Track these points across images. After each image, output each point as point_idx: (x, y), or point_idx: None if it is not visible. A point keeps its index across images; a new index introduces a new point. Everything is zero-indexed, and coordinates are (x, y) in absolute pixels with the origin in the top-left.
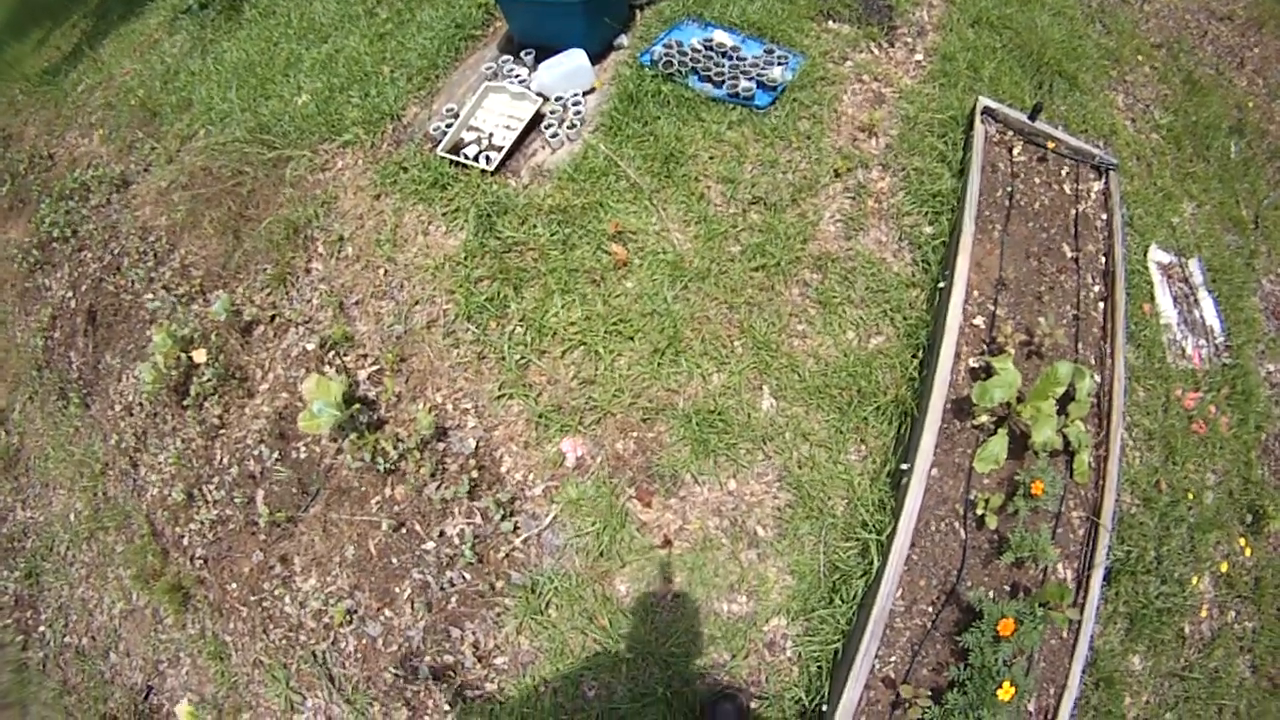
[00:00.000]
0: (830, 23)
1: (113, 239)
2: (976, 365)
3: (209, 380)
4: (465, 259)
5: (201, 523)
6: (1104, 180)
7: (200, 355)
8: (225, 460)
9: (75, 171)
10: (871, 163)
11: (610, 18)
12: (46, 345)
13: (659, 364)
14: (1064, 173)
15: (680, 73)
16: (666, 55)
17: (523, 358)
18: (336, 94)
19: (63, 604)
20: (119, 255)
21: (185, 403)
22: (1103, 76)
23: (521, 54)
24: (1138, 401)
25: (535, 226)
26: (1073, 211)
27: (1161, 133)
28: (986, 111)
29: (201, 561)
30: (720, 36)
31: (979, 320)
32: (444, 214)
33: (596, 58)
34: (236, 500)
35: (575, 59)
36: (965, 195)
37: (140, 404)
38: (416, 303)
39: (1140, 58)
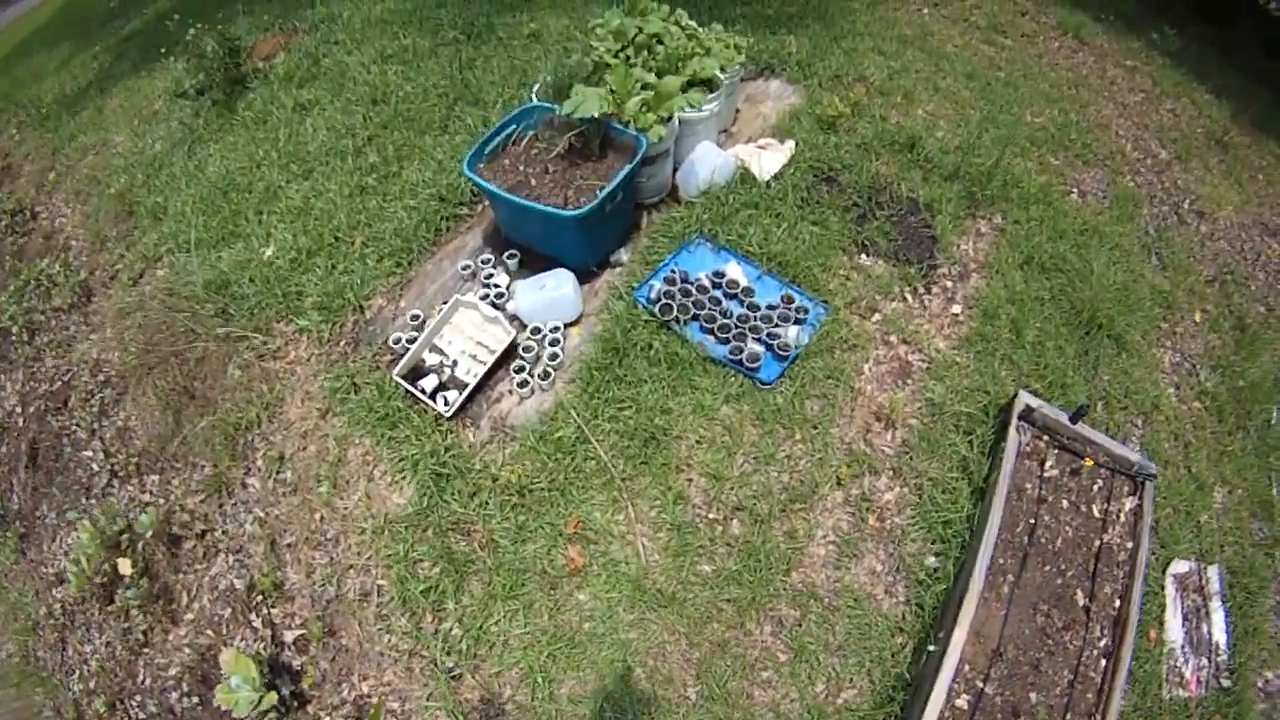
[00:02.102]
0: (864, 256)
1: (65, 360)
2: None
3: (132, 596)
4: (406, 530)
5: None
6: (1138, 494)
7: (125, 567)
8: (148, 682)
9: (44, 261)
10: (881, 467)
11: (604, 241)
12: None
13: (602, 703)
14: (1095, 489)
15: (679, 320)
16: (666, 295)
17: (456, 667)
18: (303, 257)
19: None
20: (69, 385)
21: (111, 608)
22: (1153, 330)
23: (505, 255)
24: None
25: (488, 504)
26: (1097, 543)
27: (1205, 400)
28: (1023, 417)
29: None
30: (733, 271)
31: (963, 700)
32: (390, 460)
33: (589, 275)
34: None
35: (560, 286)
36: (982, 539)
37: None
38: (351, 567)
39: (1193, 302)
